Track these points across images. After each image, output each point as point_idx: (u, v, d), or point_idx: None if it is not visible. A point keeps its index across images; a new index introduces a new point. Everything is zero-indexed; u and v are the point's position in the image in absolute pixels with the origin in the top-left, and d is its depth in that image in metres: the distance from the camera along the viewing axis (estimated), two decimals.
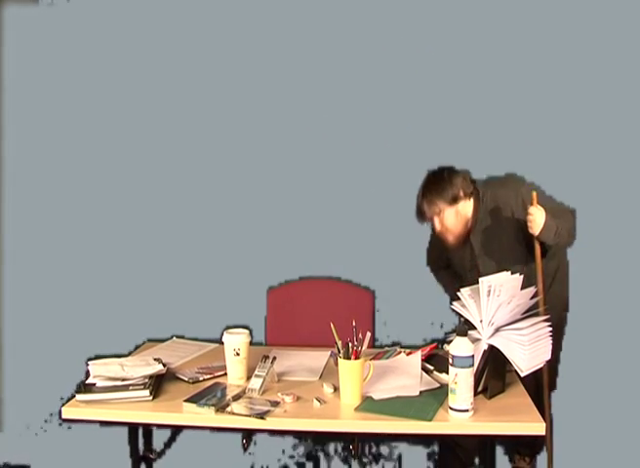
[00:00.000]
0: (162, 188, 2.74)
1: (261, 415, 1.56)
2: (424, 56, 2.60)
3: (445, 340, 1.82)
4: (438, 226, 2.12)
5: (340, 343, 1.64)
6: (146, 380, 1.70)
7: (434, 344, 1.94)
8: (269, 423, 1.56)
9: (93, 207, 2.75)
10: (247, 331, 1.81)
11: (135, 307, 2.71)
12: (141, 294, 2.74)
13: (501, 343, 1.64)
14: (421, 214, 2.12)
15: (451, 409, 1.56)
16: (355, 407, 1.61)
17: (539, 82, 2.60)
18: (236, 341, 1.76)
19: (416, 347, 1.95)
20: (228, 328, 1.82)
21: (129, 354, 2.02)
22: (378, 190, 2.36)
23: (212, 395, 1.67)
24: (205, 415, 1.59)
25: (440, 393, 1.67)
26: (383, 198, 2.43)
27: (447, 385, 1.59)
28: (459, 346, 1.55)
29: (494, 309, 1.63)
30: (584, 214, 2.09)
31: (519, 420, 1.56)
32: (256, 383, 1.70)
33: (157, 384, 1.73)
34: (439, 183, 2.10)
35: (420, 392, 1.69)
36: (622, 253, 2.58)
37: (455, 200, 2.09)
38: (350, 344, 1.62)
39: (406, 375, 1.78)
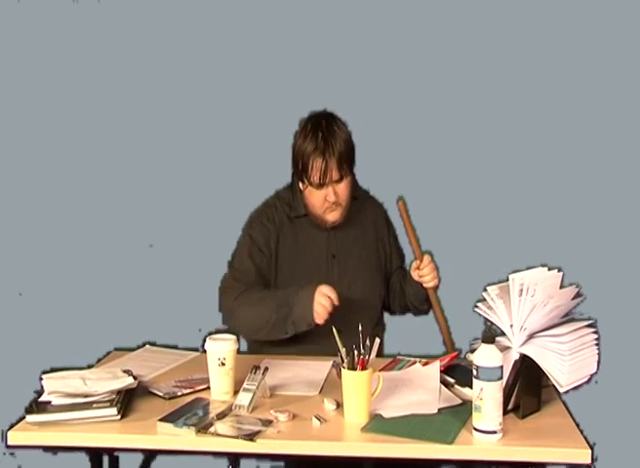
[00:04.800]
0: (141, 184, 2.84)
1: (251, 437, 1.51)
2: (417, 56, 2.76)
3: (469, 348, 1.79)
4: (332, 197, 2.01)
5: (343, 351, 1.61)
6: (113, 396, 1.65)
7: (455, 353, 1.91)
8: (260, 446, 1.51)
9: (58, 210, 2.84)
10: (234, 338, 1.76)
11: (99, 310, 2.73)
12: (107, 295, 2.76)
13: (536, 352, 1.60)
14: (323, 177, 1.97)
15: (475, 429, 1.51)
16: (362, 426, 1.57)
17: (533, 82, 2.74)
18: (221, 349, 1.72)
19: (433, 356, 1.93)
20: (212, 333, 1.79)
21: (92, 365, 1.97)
22: (379, 192, 2.35)
23: (192, 413, 1.62)
24: (184, 437, 1.54)
25: (462, 411, 1.63)
26: (386, 200, 2.44)
27: (470, 402, 1.54)
28: (484, 355, 1.50)
29: (527, 312, 1.58)
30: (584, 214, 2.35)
31: (558, 445, 1.50)
32: (244, 399, 1.66)
33: (126, 401, 1.68)
34: (344, 140, 1.98)
35: (439, 409, 1.65)
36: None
37: (353, 166, 2.02)
38: (356, 352, 1.59)
39: (422, 390, 1.74)
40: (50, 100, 2.85)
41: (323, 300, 1.89)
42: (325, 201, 2.02)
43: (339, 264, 2.12)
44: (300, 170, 2.01)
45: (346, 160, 1.98)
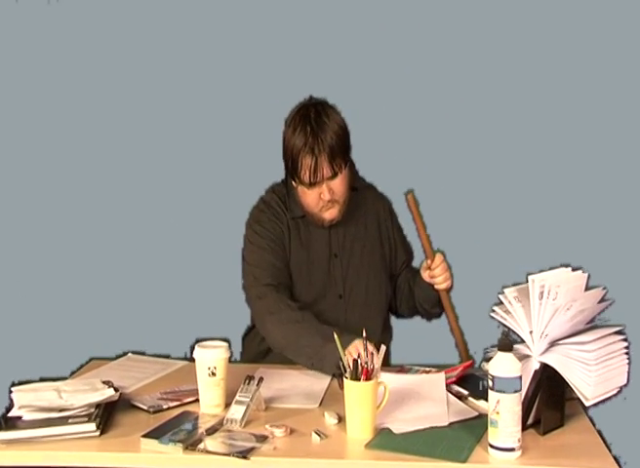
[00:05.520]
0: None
1: (244, 454, 1.46)
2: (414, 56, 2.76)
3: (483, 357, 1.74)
4: (327, 195, 1.92)
5: (346, 359, 1.56)
6: (92, 410, 1.61)
7: (469, 362, 1.87)
8: (254, 464, 1.45)
9: (35, 211, 2.81)
10: (225, 345, 1.72)
11: (75, 315, 2.70)
12: (85, 298, 2.75)
13: (559, 362, 1.54)
14: (314, 175, 1.88)
15: (491, 446, 1.44)
16: (366, 442, 1.51)
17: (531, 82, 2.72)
18: (211, 358, 1.68)
19: (445, 366, 1.88)
20: (201, 340, 1.75)
21: (69, 376, 1.95)
22: (383, 186, 2.33)
23: (179, 428, 1.58)
24: (170, 455, 1.49)
25: (477, 426, 1.57)
26: (392, 194, 2.43)
27: (486, 415, 1.48)
28: (502, 365, 1.44)
29: (548, 317, 1.52)
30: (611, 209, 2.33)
31: (583, 464, 1.42)
32: (237, 412, 1.61)
33: (106, 415, 1.64)
34: (336, 131, 1.88)
35: (451, 424, 1.59)
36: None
37: (348, 157, 1.93)
38: (360, 361, 1.54)
39: (431, 402, 1.69)
40: (41, 101, 2.81)
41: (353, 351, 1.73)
42: (320, 199, 1.94)
43: (341, 264, 2.07)
44: (290, 167, 1.94)
45: (339, 153, 1.89)
